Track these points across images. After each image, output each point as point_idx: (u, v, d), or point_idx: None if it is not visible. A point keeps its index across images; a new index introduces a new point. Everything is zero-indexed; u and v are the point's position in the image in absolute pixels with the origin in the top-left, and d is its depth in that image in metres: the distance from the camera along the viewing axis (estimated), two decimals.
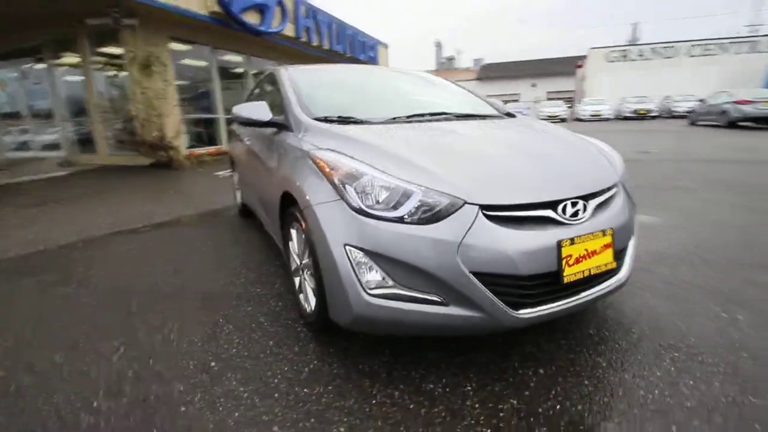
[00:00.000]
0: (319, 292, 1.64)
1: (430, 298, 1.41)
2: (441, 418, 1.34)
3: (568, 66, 31.71)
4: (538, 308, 1.45)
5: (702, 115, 14.83)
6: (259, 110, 2.27)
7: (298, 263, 1.96)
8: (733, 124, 12.93)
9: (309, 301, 1.86)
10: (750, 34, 24.99)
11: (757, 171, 5.55)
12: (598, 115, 20.86)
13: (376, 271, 1.43)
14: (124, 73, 8.22)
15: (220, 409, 1.43)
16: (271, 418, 1.38)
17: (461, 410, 1.38)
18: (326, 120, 2.07)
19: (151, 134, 7.96)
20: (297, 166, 1.81)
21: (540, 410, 1.37)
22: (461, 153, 1.71)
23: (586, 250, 1.50)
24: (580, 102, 23.15)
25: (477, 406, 1.40)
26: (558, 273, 1.44)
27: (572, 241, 1.46)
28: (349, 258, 1.45)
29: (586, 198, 1.57)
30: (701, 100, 15.67)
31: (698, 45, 23.00)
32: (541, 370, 1.57)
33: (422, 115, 2.26)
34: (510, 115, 2.59)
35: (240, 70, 11.04)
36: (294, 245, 1.97)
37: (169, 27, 8.21)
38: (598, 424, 1.30)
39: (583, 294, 1.54)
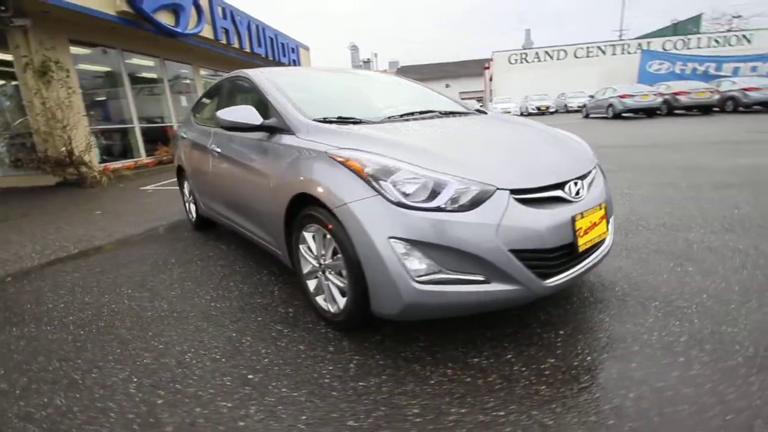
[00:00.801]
0: (356, 288, 1.67)
1: (473, 278, 1.52)
2: (499, 385, 1.47)
3: (478, 68, 34.22)
4: (560, 276, 1.65)
5: (593, 109, 17.06)
6: (248, 114, 2.19)
7: (317, 265, 1.95)
8: (618, 116, 15.10)
9: (336, 300, 1.87)
10: (619, 39, 29.41)
11: (658, 154, 6.59)
12: (508, 112, 22.92)
13: (422, 260, 1.51)
14: (17, 82, 7.09)
15: (284, 416, 1.40)
16: (340, 414, 1.39)
17: (512, 375, 1.52)
18: (326, 121, 2.08)
19: (57, 149, 6.98)
20: (315, 167, 1.81)
21: (575, 363, 1.56)
22: (473, 145, 1.86)
23: (590, 222, 1.74)
24: (491, 101, 25.13)
25: (524, 369, 1.55)
26: (573, 244, 1.66)
27: (582, 215, 1.69)
28: (395, 250, 1.51)
29: (582, 178, 1.81)
30: (591, 96, 18.01)
31: (582, 48, 26.48)
32: (561, 332, 1.78)
33: (412, 113, 2.37)
34: (482, 111, 2.81)
35: (153, 75, 10.12)
36: (311, 247, 1.96)
37: (70, 28, 7.27)
38: (625, 366, 1.53)
39: (588, 260, 1.78)
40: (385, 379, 1.55)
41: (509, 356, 1.64)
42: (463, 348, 1.72)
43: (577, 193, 1.74)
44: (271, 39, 13.53)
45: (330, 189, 1.69)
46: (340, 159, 1.71)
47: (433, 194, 1.54)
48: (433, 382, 1.52)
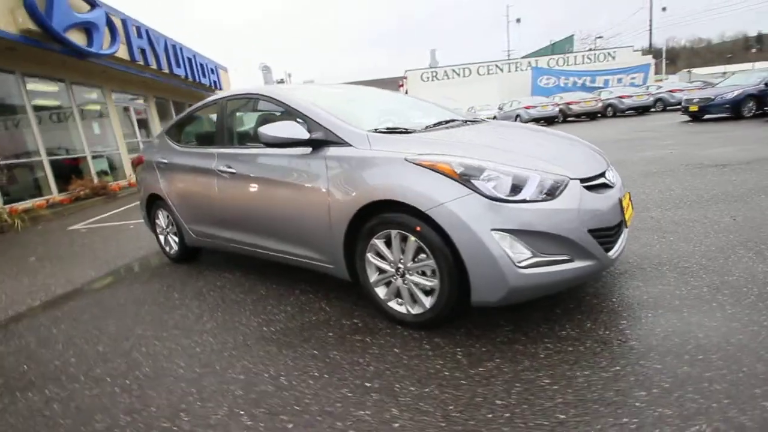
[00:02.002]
0: (451, 282, 1.77)
1: (561, 258, 1.73)
2: (599, 347, 1.69)
3: (393, 85, 35.79)
4: (615, 248, 1.94)
5: (503, 119, 18.98)
6: (295, 129, 2.18)
7: (391, 270, 2.00)
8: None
9: (418, 301, 1.94)
10: (508, 58, 33.31)
11: None
12: None
13: (521, 247, 1.68)
14: None
15: (430, 409, 1.44)
16: (483, 397, 1.47)
17: (602, 338, 1.75)
18: (377, 131, 2.17)
19: None
20: (393, 174, 1.88)
21: (644, 320, 1.84)
22: (523, 145, 2.10)
23: (626, 203, 2.07)
24: None
25: (607, 332, 1.79)
26: (623, 221, 1.96)
27: (623, 198, 2.01)
28: (498, 241, 1.66)
29: (610, 169, 2.15)
30: (500, 108, 20.00)
31: (483, 66, 29.36)
32: (613, 299, 2.07)
33: (440, 122, 2.55)
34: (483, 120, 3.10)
35: (60, 101, 8.92)
36: (383, 254, 2.00)
37: None
38: (680, 315, 1.84)
39: (624, 236, 2.11)
40: (499, 362, 1.67)
41: (589, 325, 1.87)
42: (545, 325, 1.91)
43: (612, 180, 2.06)
44: (190, 59, 12.80)
45: (419, 192, 1.78)
46: (426, 164, 1.81)
47: (518, 188, 1.72)
48: (542, 356, 1.68)
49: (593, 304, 2.06)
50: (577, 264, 1.75)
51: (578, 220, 1.73)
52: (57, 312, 2.87)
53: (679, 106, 17.03)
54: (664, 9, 35.26)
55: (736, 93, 11.03)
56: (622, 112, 17.99)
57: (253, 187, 2.60)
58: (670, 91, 17.49)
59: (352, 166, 2.05)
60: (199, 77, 13.43)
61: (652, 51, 33.03)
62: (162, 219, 3.71)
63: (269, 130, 2.19)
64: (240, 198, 2.73)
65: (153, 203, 3.77)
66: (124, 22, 9.22)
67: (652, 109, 18.28)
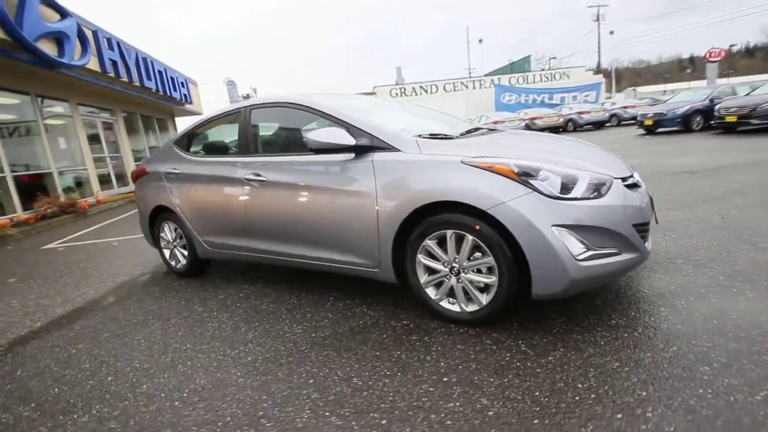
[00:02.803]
0: (511, 278, 1.86)
1: (611, 251, 1.86)
2: (651, 331, 1.82)
3: None
4: (648, 242, 2.11)
5: None
6: (341, 135, 2.23)
7: (445, 270, 2.07)
8: None
9: (474, 298, 2.01)
10: (469, 76, 34.95)
11: None
12: None
13: (578, 241, 1.80)
14: None
15: (518, 396, 1.50)
16: (564, 384, 1.55)
17: (653, 324, 1.89)
18: (421, 137, 2.26)
19: None
20: (451, 176, 1.96)
21: (680, 307, 2.01)
22: (560, 149, 2.26)
23: (652, 201, 2.26)
24: None
25: (652, 318, 1.93)
26: (654, 217, 2.15)
27: (652, 197, 2.20)
28: (559, 236, 1.77)
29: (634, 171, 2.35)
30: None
31: (450, 83, 30.42)
32: (646, 290, 2.24)
33: (470, 131, 2.67)
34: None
35: (23, 115, 8.38)
36: (436, 254, 2.06)
37: None
38: (708, 301, 2.02)
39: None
40: (564, 351, 1.77)
41: (633, 313, 2.01)
42: (593, 316, 2.03)
43: (639, 179, 2.26)
44: (161, 72, 12.44)
45: (479, 192, 1.87)
46: (483, 165, 1.91)
47: (570, 187, 1.86)
48: (602, 343, 1.79)
49: (629, 295, 2.22)
50: (625, 256, 1.89)
51: (624, 215, 1.88)
52: (68, 332, 2.69)
53: (631, 121, 18.44)
54: (611, 32, 38.28)
55: (685, 108, 12.11)
56: (581, 127, 19.18)
57: (288, 194, 2.60)
58: (624, 107, 18.90)
59: (404, 170, 2.11)
60: (170, 91, 13.04)
61: (602, 71, 35.56)
62: (168, 232, 3.58)
63: (317, 136, 2.23)
64: (271, 206, 2.71)
65: (157, 216, 3.63)
66: (95, 33, 8.87)
67: (608, 124, 19.63)
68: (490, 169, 1.90)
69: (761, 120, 9.51)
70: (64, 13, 7.69)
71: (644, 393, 1.45)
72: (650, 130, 12.89)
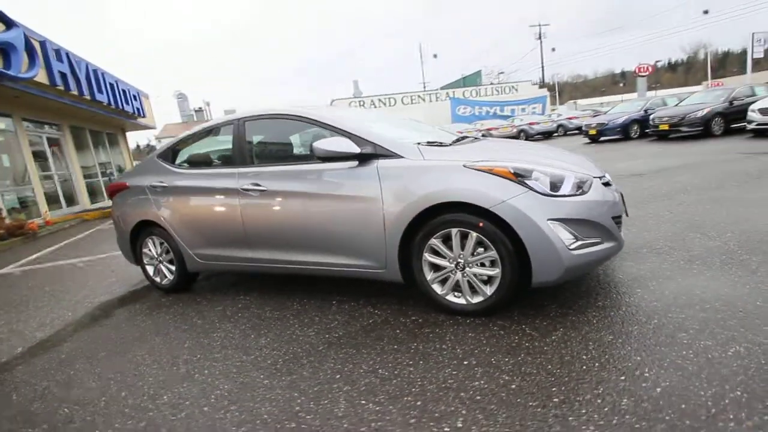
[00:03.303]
0: (513, 268, 2.07)
1: (594, 241, 2.12)
2: (634, 309, 2.09)
3: None
4: (622, 233, 2.40)
5: None
6: (346, 144, 2.36)
7: (451, 266, 2.24)
8: None
9: (478, 291, 2.20)
10: (424, 90, 36.22)
11: None
12: None
13: (570, 232, 2.04)
14: None
15: (535, 371, 1.69)
16: (570, 357, 1.76)
17: (633, 302, 2.16)
18: (421, 144, 2.44)
19: None
20: (454, 179, 2.14)
21: (667, 292, 2.30)
22: (541, 153, 2.52)
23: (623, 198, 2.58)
24: None
25: (632, 298, 2.21)
26: (625, 211, 2.45)
27: (622, 194, 2.50)
28: (553, 229, 2.00)
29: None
30: None
31: (407, 96, 31.31)
32: (622, 276, 2.53)
33: (459, 139, 2.89)
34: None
35: None
36: (441, 252, 2.23)
37: None
38: (671, 285, 2.34)
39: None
40: (564, 330, 1.99)
41: (614, 296, 2.29)
42: (581, 300, 2.28)
43: (609, 178, 2.57)
44: (112, 85, 11.88)
45: (482, 192, 2.07)
46: (484, 168, 2.11)
47: (557, 185, 2.10)
48: (595, 322, 2.03)
49: (608, 281, 2.50)
50: (606, 245, 2.16)
51: (604, 209, 2.16)
52: (57, 355, 2.57)
53: (576, 131, 19.91)
54: (553, 50, 41.15)
55: (624, 118, 13.31)
56: (532, 137, 20.40)
57: (290, 202, 2.67)
58: (569, 118, 20.38)
59: (409, 175, 2.28)
60: (122, 104, 12.46)
61: (545, 85, 38.06)
62: (153, 247, 3.49)
63: (324, 144, 2.34)
64: (271, 215, 2.76)
65: (140, 232, 3.54)
66: (42, 44, 8.38)
67: (555, 134, 21.05)
68: (491, 172, 2.11)
69: (690, 128, 10.69)
70: (9, 23, 7.24)
71: (638, 358, 1.68)
72: (594, 139, 14.01)
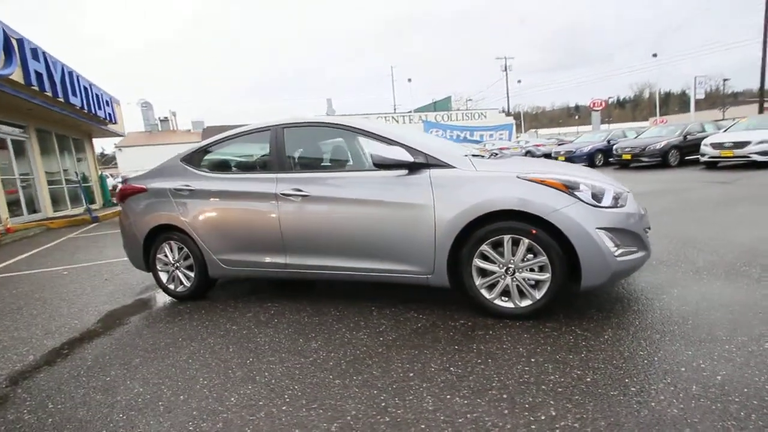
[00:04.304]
0: (562, 273, 2.22)
1: (632, 249, 2.32)
2: (667, 312, 2.29)
3: None
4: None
5: None
6: (401, 153, 2.46)
7: (501, 271, 2.36)
8: None
9: (527, 294, 2.33)
10: (402, 112, 37.42)
11: None
12: None
13: (613, 241, 2.23)
14: None
15: (602, 366, 1.82)
16: (629, 353, 1.91)
17: (665, 305, 2.37)
18: (471, 156, 2.59)
19: None
20: (510, 189, 2.29)
21: (680, 299, 2.54)
22: (572, 169, 2.73)
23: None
24: None
25: (662, 301, 2.42)
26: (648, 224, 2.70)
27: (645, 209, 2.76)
28: (601, 237, 2.18)
29: None
30: None
31: (382, 117, 32.03)
32: (643, 286, 2.76)
33: (493, 154, 3.07)
34: None
35: None
36: (491, 257, 2.35)
37: None
38: (690, 290, 2.59)
39: None
40: (612, 331, 2.15)
41: (645, 300, 2.49)
42: (618, 305, 2.47)
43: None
44: (86, 89, 11.35)
45: (537, 202, 2.23)
46: (537, 180, 2.28)
47: (599, 197, 2.31)
48: (637, 323, 2.21)
49: (632, 288, 2.71)
50: (640, 254, 2.37)
51: (640, 220, 2.38)
52: (81, 363, 2.42)
53: (544, 158, 21.06)
54: (519, 81, 43.67)
55: (589, 147, 14.32)
56: None
57: (336, 208, 2.72)
58: (536, 145, 21.54)
59: (463, 184, 2.41)
60: (95, 109, 11.90)
61: (511, 113, 40.18)
62: (170, 253, 3.38)
63: (382, 152, 2.45)
64: (314, 221, 2.79)
65: (155, 238, 3.42)
66: (20, 42, 7.95)
67: None
68: (543, 183, 2.28)
69: (650, 158, 11.68)
70: None
71: (689, 353, 1.86)
72: None
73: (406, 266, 2.58)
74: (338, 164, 3.14)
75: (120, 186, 3.85)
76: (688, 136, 11.93)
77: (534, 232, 2.25)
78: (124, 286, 4.03)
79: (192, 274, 3.32)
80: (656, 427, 1.42)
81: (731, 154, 9.68)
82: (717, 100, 49.75)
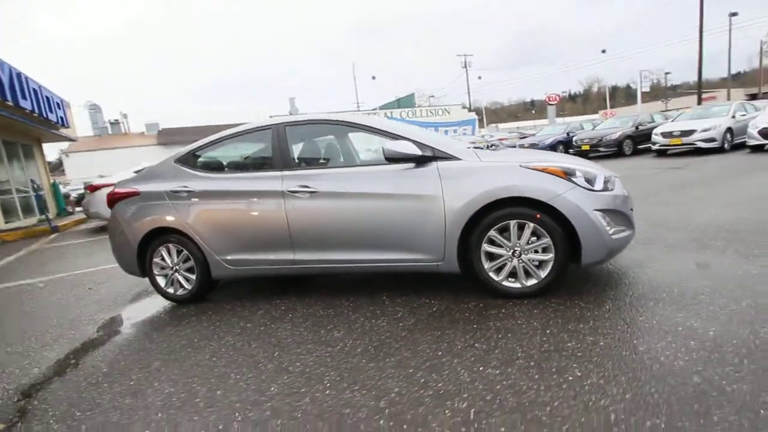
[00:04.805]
0: (564, 253, 2.43)
1: (622, 228, 2.57)
2: (656, 282, 2.56)
3: None
4: None
5: None
6: (410, 147, 2.58)
7: (508, 254, 2.54)
8: None
9: (533, 274, 2.52)
10: (365, 109, 37.42)
11: None
12: None
13: (608, 221, 2.46)
14: None
15: (611, 331, 2.03)
16: (630, 319, 2.14)
17: (652, 278, 2.64)
18: (474, 148, 2.75)
19: None
20: (515, 177, 2.46)
21: (661, 272, 2.82)
22: (562, 157, 2.96)
23: None
24: None
25: (648, 273, 2.69)
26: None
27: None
28: (599, 217, 2.41)
29: None
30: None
31: (346, 114, 31.99)
32: (630, 262, 3.03)
33: (491, 145, 3.25)
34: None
35: None
36: (498, 241, 2.52)
37: None
38: (666, 265, 2.88)
39: None
40: (612, 302, 2.38)
41: (632, 275, 2.76)
42: (613, 277, 2.72)
43: None
44: (35, 91, 10.61)
45: (540, 188, 2.42)
46: (539, 168, 2.47)
47: (592, 182, 2.53)
48: (630, 293, 2.46)
49: (617, 265, 2.98)
50: (629, 232, 2.62)
51: (627, 202, 2.63)
52: (94, 370, 2.37)
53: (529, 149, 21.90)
54: (479, 77, 44.98)
55: (551, 140, 15.04)
56: None
57: (345, 203, 2.79)
58: (500, 139, 22.31)
59: (469, 174, 2.56)
60: (46, 112, 11.14)
61: (473, 109, 41.28)
62: (168, 257, 3.32)
63: (393, 146, 2.56)
64: (324, 215, 2.85)
65: (150, 241, 3.35)
66: None
67: None
68: (545, 171, 2.47)
69: (606, 148, 12.48)
70: None
71: (681, 315, 2.12)
72: None
73: (417, 255, 2.70)
74: (346, 159, 3.22)
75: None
76: (639, 127, 12.84)
77: (538, 216, 2.44)
78: (111, 294, 3.90)
79: (193, 277, 3.28)
80: (669, 376, 1.63)
81: (679, 142, 10.54)
82: (659, 92, 53.50)
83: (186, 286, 3.32)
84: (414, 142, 2.66)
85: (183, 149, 3.46)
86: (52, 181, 14.34)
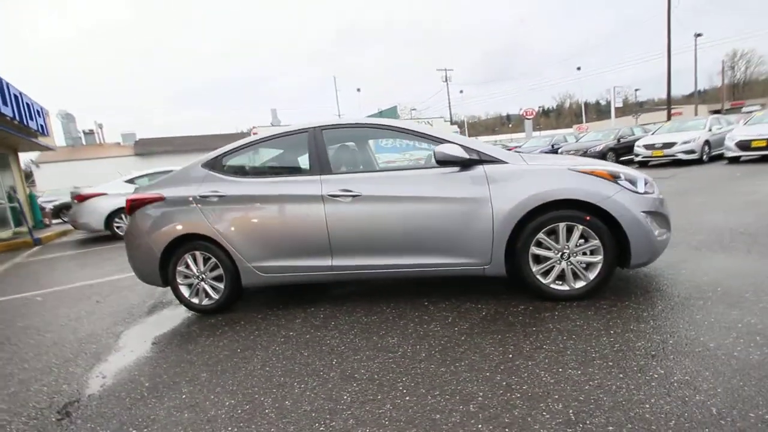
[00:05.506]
0: (613, 254, 2.47)
1: (665, 230, 2.64)
2: (692, 283, 2.63)
3: (233, 140, 34.34)
4: None
5: None
6: (459, 150, 2.59)
7: (557, 257, 2.56)
8: None
9: (582, 277, 2.55)
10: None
11: None
12: None
13: (653, 223, 2.52)
14: None
15: (666, 326, 2.06)
16: (674, 317, 2.18)
17: (690, 277, 2.71)
18: (520, 153, 2.79)
19: None
20: (564, 180, 2.50)
21: (698, 270, 2.91)
22: (596, 161, 3.03)
23: None
24: None
25: (684, 273, 2.76)
26: None
27: None
28: (646, 220, 2.46)
29: None
30: None
31: None
32: (665, 262, 3.11)
33: (518, 150, 3.30)
34: None
35: None
36: (546, 244, 2.55)
37: None
38: (700, 264, 2.98)
39: None
40: (662, 303, 2.43)
41: (671, 276, 2.83)
42: (651, 283, 2.77)
43: None
44: (16, 97, 10.13)
45: (591, 191, 2.46)
46: (587, 171, 2.52)
47: (635, 184, 2.60)
48: (678, 294, 2.51)
49: (654, 267, 3.05)
50: (669, 234, 2.70)
51: (664, 204, 2.71)
52: (137, 385, 2.24)
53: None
54: (461, 91, 45.90)
55: (537, 151, 15.45)
56: None
57: (390, 207, 2.76)
58: (510, 148, 22.97)
59: (518, 178, 2.58)
60: (26, 120, 10.64)
61: (454, 122, 42.09)
62: (194, 265, 3.19)
63: (444, 149, 2.57)
64: (368, 220, 2.80)
65: (174, 249, 3.21)
66: None
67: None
68: (592, 174, 2.52)
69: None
70: None
71: (735, 312, 2.17)
72: None
73: (463, 259, 2.69)
74: (370, 164, 3.21)
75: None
76: (621, 140, 13.38)
77: (588, 218, 2.48)
78: (124, 307, 3.71)
79: (221, 285, 3.16)
80: (749, 370, 1.67)
81: (661, 154, 11.02)
82: (627, 108, 56.10)
83: (213, 296, 3.19)
84: (461, 146, 2.68)
85: (211, 153, 3.36)
86: (29, 191, 13.64)
